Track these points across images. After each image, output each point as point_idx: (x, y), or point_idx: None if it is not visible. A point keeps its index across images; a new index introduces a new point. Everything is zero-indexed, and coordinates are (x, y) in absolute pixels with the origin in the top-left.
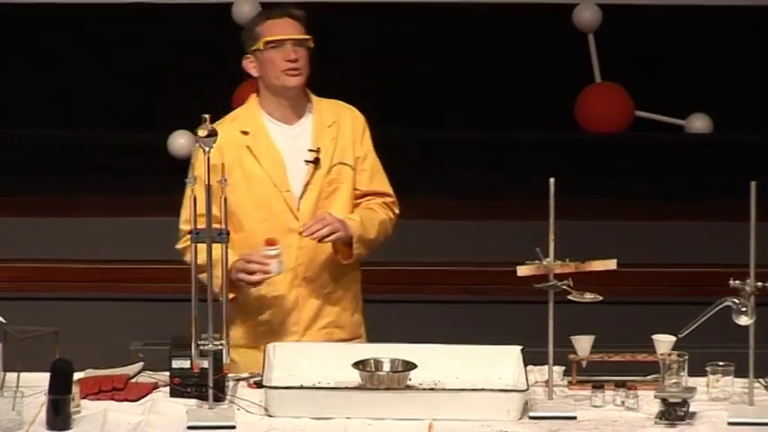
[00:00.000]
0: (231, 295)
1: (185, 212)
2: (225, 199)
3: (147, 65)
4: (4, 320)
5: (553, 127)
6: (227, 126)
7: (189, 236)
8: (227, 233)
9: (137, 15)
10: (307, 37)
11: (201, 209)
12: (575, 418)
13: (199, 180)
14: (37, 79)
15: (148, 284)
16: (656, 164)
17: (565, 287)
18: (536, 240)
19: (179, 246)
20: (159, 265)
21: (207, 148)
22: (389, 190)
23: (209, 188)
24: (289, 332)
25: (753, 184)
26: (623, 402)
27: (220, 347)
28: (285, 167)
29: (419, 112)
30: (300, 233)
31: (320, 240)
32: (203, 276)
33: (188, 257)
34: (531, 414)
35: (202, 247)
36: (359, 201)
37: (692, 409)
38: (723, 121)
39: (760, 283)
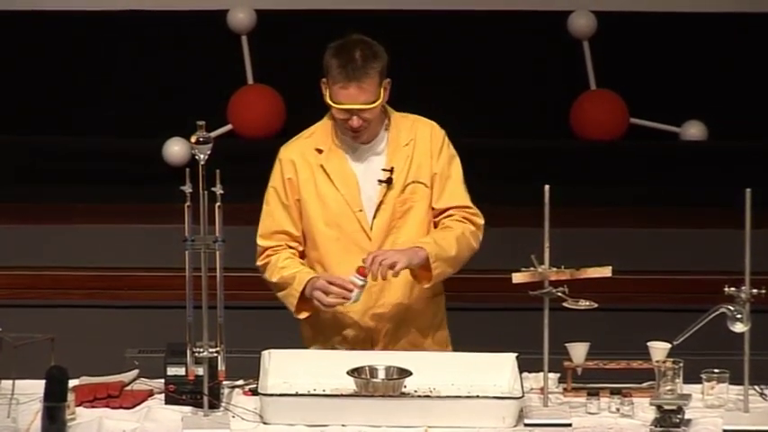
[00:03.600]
0: (305, 314)
1: (262, 227)
2: (220, 206)
3: (142, 72)
4: None
5: (548, 134)
6: (303, 142)
7: (267, 251)
8: (224, 241)
9: (132, 22)
10: (371, 106)
11: (279, 224)
12: (570, 425)
13: (276, 194)
14: (32, 86)
15: (144, 291)
16: (650, 171)
17: (560, 294)
18: (531, 247)
19: (259, 263)
20: (154, 272)
21: (201, 156)
22: (467, 201)
23: (209, 193)
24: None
25: (748, 191)
26: (618, 409)
27: (215, 354)
28: (359, 187)
29: None
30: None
31: (384, 277)
32: (279, 295)
33: (264, 276)
34: (527, 421)
35: (283, 264)
36: (437, 218)
37: (687, 416)
38: (718, 128)
39: (755, 291)
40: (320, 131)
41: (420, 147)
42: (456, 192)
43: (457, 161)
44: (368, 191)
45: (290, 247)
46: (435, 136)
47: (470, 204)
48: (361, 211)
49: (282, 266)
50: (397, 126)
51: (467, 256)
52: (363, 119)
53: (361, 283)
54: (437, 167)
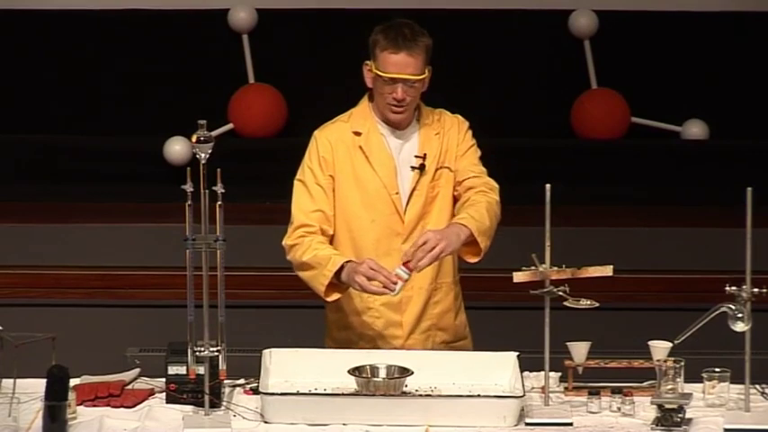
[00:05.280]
0: (335, 296)
1: (301, 202)
2: (221, 205)
3: (144, 71)
4: (0, 327)
5: (549, 133)
6: (340, 125)
7: (299, 230)
8: (224, 240)
9: (134, 21)
10: (419, 77)
11: (318, 203)
12: (571, 424)
13: (311, 173)
14: (32, 84)
15: (145, 291)
16: (652, 170)
17: (561, 293)
18: (532, 246)
19: (287, 242)
20: (155, 271)
21: (202, 155)
22: (483, 171)
23: (210, 192)
24: (392, 336)
25: (749, 190)
26: (619, 408)
27: (216, 353)
28: (396, 170)
29: None
30: (411, 269)
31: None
32: (306, 275)
33: (291, 255)
34: (528, 420)
35: (317, 246)
36: (461, 193)
37: (688, 415)
38: (719, 127)
39: (756, 290)
40: (357, 115)
41: (447, 136)
42: (473, 163)
43: (476, 147)
44: (402, 176)
45: (323, 232)
46: (461, 126)
47: (481, 172)
48: (397, 194)
49: (316, 248)
50: (428, 116)
51: (496, 224)
52: (408, 90)
53: (406, 276)
54: (460, 151)
